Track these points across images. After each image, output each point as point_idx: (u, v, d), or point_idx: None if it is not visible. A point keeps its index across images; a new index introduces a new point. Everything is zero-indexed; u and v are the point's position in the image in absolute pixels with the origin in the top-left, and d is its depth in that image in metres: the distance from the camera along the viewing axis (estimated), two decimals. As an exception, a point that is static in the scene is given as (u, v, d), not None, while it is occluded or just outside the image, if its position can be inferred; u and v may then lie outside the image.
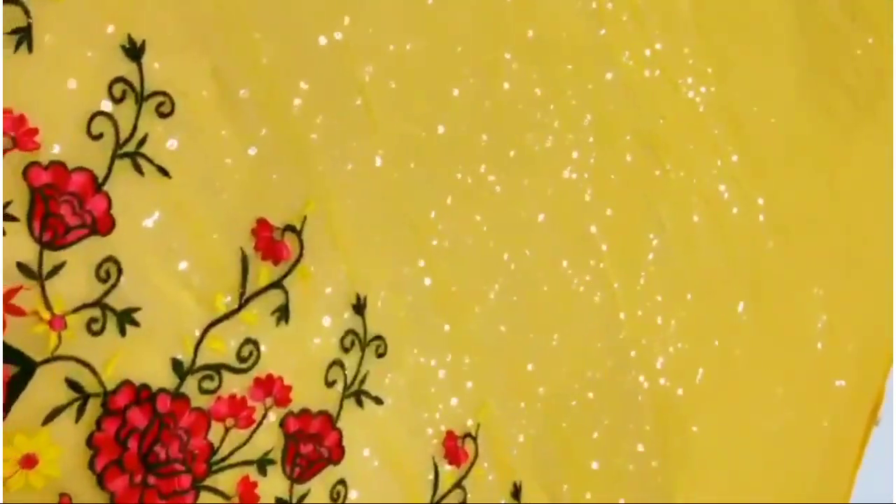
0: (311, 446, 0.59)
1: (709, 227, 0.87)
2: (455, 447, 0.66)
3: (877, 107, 1.05)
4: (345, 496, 0.61)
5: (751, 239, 0.91)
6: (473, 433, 0.68)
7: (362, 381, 0.62)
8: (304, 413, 0.58)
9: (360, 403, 0.62)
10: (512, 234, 0.71)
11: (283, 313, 0.57)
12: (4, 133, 0.45)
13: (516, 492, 0.71)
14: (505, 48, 0.70)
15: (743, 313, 0.91)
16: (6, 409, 0.46)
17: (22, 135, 0.46)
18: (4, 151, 0.46)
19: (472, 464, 0.68)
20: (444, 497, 0.66)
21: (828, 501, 0.99)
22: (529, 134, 0.72)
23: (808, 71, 0.97)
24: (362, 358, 0.62)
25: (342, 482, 0.60)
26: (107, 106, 0.49)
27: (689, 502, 0.85)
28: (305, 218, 0.58)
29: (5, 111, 0.45)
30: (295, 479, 0.58)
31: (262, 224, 0.56)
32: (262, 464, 0.56)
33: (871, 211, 1.04)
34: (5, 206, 0.46)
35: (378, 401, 0.62)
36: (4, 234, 0.46)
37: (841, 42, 1.01)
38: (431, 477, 0.65)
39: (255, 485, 0.56)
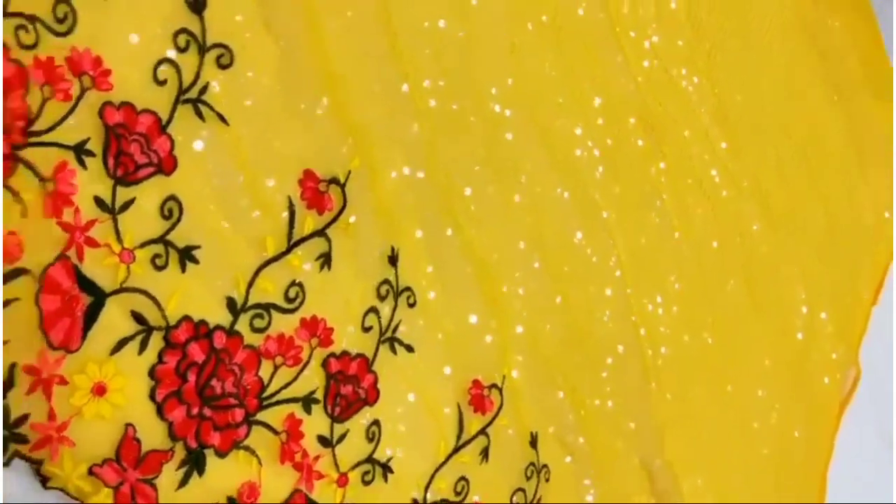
0: (350, 387, 0.62)
1: (703, 209, 0.92)
2: (481, 396, 0.70)
3: (847, 96, 1.11)
4: (379, 437, 0.64)
5: (739, 221, 0.97)
6: (499, 384, 0.71)
7: (395, 329, 0.65)
8: (344, 355, 0.61)
9: (393, 350, 0.65)
10: (532, 202, 0.75)
11: (325, 260, 0.60)
12: (84, 72, 0.48)
13: (533, 441, 0.75)
14: (522, 30, 0.74)
15: (732, 289, 0.96)
16: (83, 337, 0.49)
17: (98, 75, 0.49)
18: (84, 90, 0.48)
19: (497, 413, 0.71)
20: (468, 442, 0.69)
21: (812, 457, 1.04)
22: (545, 111, 0.76)
23: (788, 63, 1.03)
24: (395, 307, 0.65)
25: (377, 423, 0.64)
26: (171, 54, 0.52)
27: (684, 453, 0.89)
28: (350, 172, 0.61)
29: (84, 51, 0.48)
30: (335, 418, 0.61)
31: (308, 175, 0.59)
32: (308, 402, 0.59)
33: (845, 198, 1.11)
34: (84, 142, 0.48)
35: (409, 348, 0.66)
36: (86, 168, 0.48)
37: (813, 32, 1.07)
38: (458, 422, 0.69)
39: (300, 422, 0.59)
